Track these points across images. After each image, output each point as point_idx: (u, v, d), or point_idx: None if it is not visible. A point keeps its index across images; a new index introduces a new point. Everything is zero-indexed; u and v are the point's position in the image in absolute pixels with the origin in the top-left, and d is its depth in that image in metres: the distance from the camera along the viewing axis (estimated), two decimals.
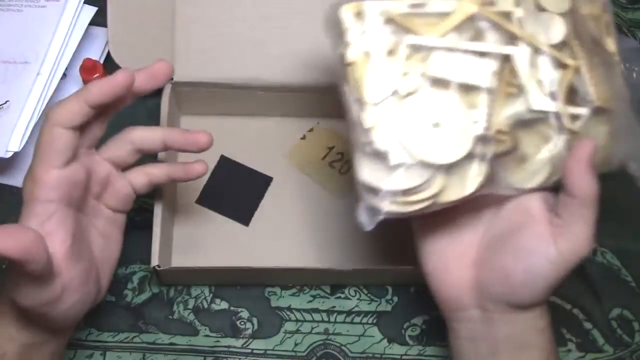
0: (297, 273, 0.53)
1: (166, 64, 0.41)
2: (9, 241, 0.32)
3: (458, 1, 0.38)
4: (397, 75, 0.38)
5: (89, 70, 0.56)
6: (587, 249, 0.38)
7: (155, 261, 0.48)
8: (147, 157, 0.45)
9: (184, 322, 0.53)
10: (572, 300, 0.56)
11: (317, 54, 0.56)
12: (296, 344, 0.53)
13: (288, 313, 0.54)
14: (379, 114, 0.37)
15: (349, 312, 0.54)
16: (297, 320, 0.54)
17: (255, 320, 0.54)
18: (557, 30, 0.40)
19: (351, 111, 0.38)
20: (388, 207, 0.37)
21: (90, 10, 0.59)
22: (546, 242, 0.38)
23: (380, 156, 0.37)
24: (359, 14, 0.38)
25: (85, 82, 0.56)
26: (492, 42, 0.39)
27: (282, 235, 0.56)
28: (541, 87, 0.39)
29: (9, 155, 0.53)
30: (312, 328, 0.54)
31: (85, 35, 0.58)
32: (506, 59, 0.39)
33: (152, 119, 0.55)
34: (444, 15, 0.38)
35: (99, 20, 0.59)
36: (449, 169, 0.38)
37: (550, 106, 0.39)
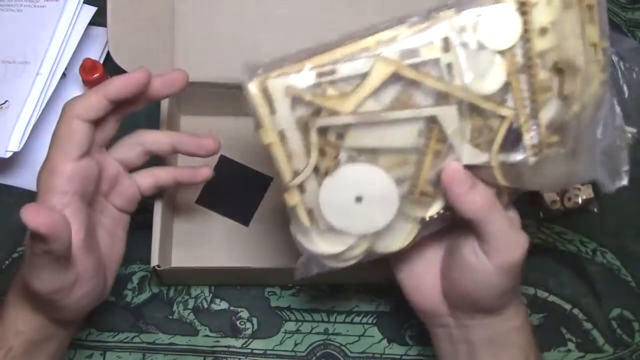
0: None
1: (183, 73, 0.42)
2: (39, 216, 0.33)
3: (374, 60, 0.35)
4: (311, 159, 0.37)
5: (88, 70, 0.56)
6: (517, 253, 0.39)
7: (155, 261, 0.48)
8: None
9: (183, 322, 0.53)
10: (572, 300, 0.56)
11: None
12: (296, 344, 0.53)
13: (288, 313, 0.54)
14: (300, 193, 0.38)
15: (349, 312, 0.54)
16: (297, 320, 0.54)
17: (255, 320, 0.54)
18: (494, 77, 0.36)
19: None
20: (317, 267, 0.40)
21: (90, 10, 0.59)
22: (481, 258, 0.39)
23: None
24: (265, 91, 0.36)
25: (85, 82, 0.56)
26: (421, 94, 0.36)
27: (282, 235, 0.56)
28: (478, 137, 0.37)
29: (9, 155, 0.53)
30: (312, 328, 0.54)
31: (85, 35, 0.58)
32: (432, 116, 0.36)
33: (152, 119, 0.55)
34: (360, 77, 0.35)
35: (98, 20, 0.59)
36: (379, 231, 0.39)
37: (483, 157, 0.37)
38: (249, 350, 0.53)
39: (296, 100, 0.35)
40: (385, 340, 0.54)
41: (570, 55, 0.36)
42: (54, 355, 0.42)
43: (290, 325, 0.54)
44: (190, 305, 0.54)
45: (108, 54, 0.58)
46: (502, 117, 0.36)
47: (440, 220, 0.40)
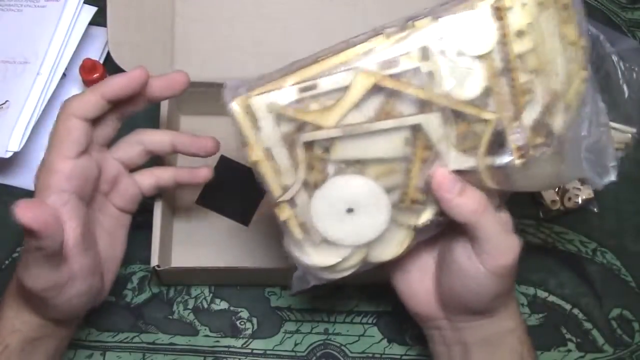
0: None
1: (184, 75, 0.42)
2: (31, 212, 0.33)
3: (354, 72, 0.35)
4: (299, 173, 0.37)
5: (88, 70, 0.56)
6: (510, 256, 0.39)
7: (155, 261, 0.48)
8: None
9: (183, 322, 0.53)
10: (572, 300, 0.56)
11: None
12: (296, 344, 0.53)
13: (288, 313, 0.54)
14: (290, 207, 0.38)
15: (349, 312, 0.54)
16: (297, 320, 0.54)
17: (255, 320, 0.54)
18: (475, 83, 0.36)
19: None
20: (319, 275, 0.40)
21: (90, 10, 0.59)
22: (474, 261, 0.39)
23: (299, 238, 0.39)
24: (248, 109, 0.36)
25: (85, 82, 0.56)
26: (404, 103, 0.36)
27: (282, 235, 0.56)
28: (464, 142, 0.37)
29: (9, 155, 0.53)
30: (312, 328, 0.54)
31: (85, 35, 0.58)
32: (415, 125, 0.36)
33: (152, 119, 0.55)
34: (342, 90, 0.35)
35: (99, 20, 0.59)
36: (373, 240, 0.39)
37: (470, 162, 0.37)
38: (249, 350, 0.53)
39: (280, 116, 0.36)
40: (385, 340, 0.54)
41: (549, 56, 0.37)
42: (53, 354, 0.42)
43: (290, 325, 0.54)
44: (190, 305, 0.54)
45: (108, 54, 0.58)
46: (486, 121, 0.36)
47: (433, 226, 0.40)
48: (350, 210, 0.38)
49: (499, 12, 0.35)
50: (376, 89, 0.35)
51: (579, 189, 0.58)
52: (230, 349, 0.52)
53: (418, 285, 0.43)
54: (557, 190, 0.58)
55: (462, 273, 0.39)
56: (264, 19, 0.55)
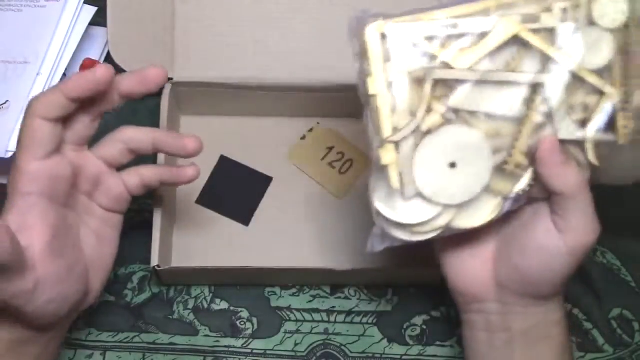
0: (297, 273, 0.53)
1: (159, 70, 0.40)
2: None
3: (498, 18, 0.36)
4: (419, 112, 0.37)
5: None
6: (592, 237, 0.39)
7: (155, 261, 0.48)
8: (147, 159, 0.46)
9: (183, 322, 0.53)
10: (572, 300, 0.56)
11: (317, 54, 0.56)
12: (296, 344, 0.53)
13: (288, 313, 0.54)
14: (396, 152, 0.37)
15: (349, 312, 0.54)
16: (297, 320, 0.54)
17: (255, 320, 0.54)
18: (603, 54, 0.37)
19: (370, 138, 0.38)
20: (398, 235, 0.39)
21: (90, 10, 0.59)
22: (554, 238, 0.39)
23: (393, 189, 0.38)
24: (384, 36, 0.36)
25: None
26: (529, 63, 0.37)
27: (282, 235, 0.56)
28: (572, 114, 0.38)
29: (9, 155, 0.53)
30: (312, 328, 0.54)
31: (85, 35, 0.58)
32: (539, 84, 0.37)
33: (152, 119, 0.55)
34: (481, 36, 0.36)
35: (99, 20, 0.59)
36: (462, 204, 0.39)
37: (578, 134, 0.38)
38: (249, 350, 0.53)
39: (413, 50, 0.36)
40: (385, 340, 0.54)
41: None
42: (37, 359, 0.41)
43: (290, 325, 0.54)
44: (190, 305, 0.54)
45: (108, 54, 0.58)
46: (602, 95, 0.37)
47: (522, 199, 0.40)
48: (452, 166, 0.38)
49: None
50: (511, 42, 0.36)
51: None
52: (231, 349, 0.52)
53: (470, 264, 0.42)
54: None
55: (540, 250, 0.39)
56: (264, 19, 0.55)
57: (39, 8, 0.58)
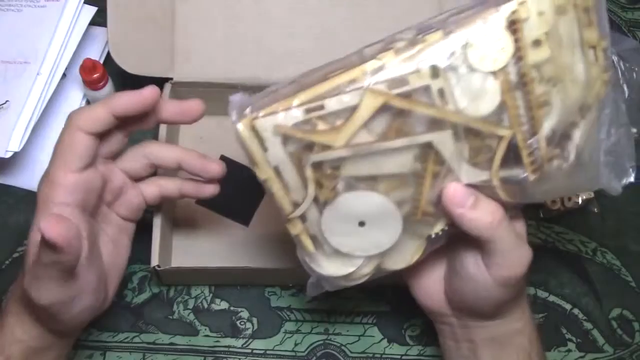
0: (297, 273, 0.53)
1: (199, 104, 0.41)
2: (58, 227, 0.33)
3: (362, 92, 0.34)
4: (309, 191, 0.36)
5: (89, 70, 0.56)
6: (518, 270, 0.38)
7: (155, 261, 0.48)
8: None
9: (184, 322, 0.53)
10: (572, 300, 0.56)
11: (317, 54, 0.55)
12: (296, 344, 0.53)
13: (288, 313, 0.54)
14: (301, 223, 0.38)
15: (349, 312, 0.54)
16: (297, 320, 0.54)
17: (255, 320, 0.54)
18: (489, 99, 0.35)
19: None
20: (332, 284, 0.40)
21: (90, 10, 0.59)
22: (481, 271, 0.39)
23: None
24: (254, 130, 0.35)
25: (85, 82, 0.56)
26: (414, 123, 0.35)
27: (282, 235, 0.56)
28: (475, 157, 0.36)
29: (9, 155, 0.53)
30: (312, 328, 0.54)
31: (85, 35, 0.58)
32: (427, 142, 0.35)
33: None
34: (350, 109, 0.34)
35: (99, 20, 0.59)
36: (386, 251, 0.39)
37: (483, 176, 0.37)
38: (249, 350, 0.53)
39: (287, 137, 0.35)
40: (385, 340, 0.54)
41: (567, 62, 0.35)
42: None
43: (290, 325, 0.54)
44: (190, 305, 0.54)
45: (108, 54, 0.58)
46: (500, 137, 0.36)
47: (445, 235, 0.39)
48: (362, 224, 0.38)
49: (514, 25, 0.34)
50: (385, 108, 0.34)
51: None
52: (231, 349, 0.52)
53: (430, 283, 0.43)
54: None
55: (470, 280, 0.39)
56: (264, 19, 0.55)
57: (39, 8, 0.58)
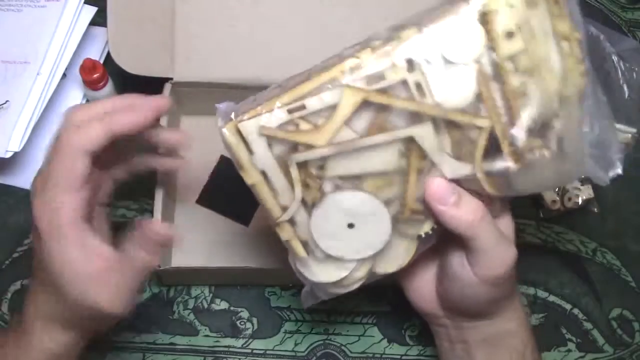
0: None
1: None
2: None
3: (341, 90, 0.34)
4: (296, 193, 0.37)
5: (89, 70, 0.56)
6: (502, 268, 0.38)
7: None
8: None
9: (184, 322, 0.53)
10: (572, 300, 0.56)
11: (317, 54, 0.55)
12: (296, 344, 0.53)
13: (288, 313, 0.54)
14: (291, 227, 0.38)
15: (349, 312, 0.54)
16: (297, 320, 0.54)
17: (255, 320, 0.54)
18: (465, 90, 0.35)
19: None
20: (326, 292, 0.40)
21: (90, 10, 0.59)
22: (466, 270, 0.39)
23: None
24: (240, 134, 0.35)
25: (85, 82, 0.56)
26: (396, 117, 0.35)
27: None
28: (458, 150, 0.36)
29: (9, 155, 0.53)
30: (312, 328, 0.54)
31: (85, 35, 0.58)
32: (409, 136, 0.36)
33: None
34: (331, 108, 0.35)
35: (99, 20, 0.59)
36: (377, 253, 0.39)
37: (466, 169, 0.37)
38: (249, 350, 0.53)
39: (272, 138, 0.35)
40: (385, 340, 0.54)
41: (542, 53, 0.36)
42: None
43: (290, 325, 0.54)
44: (191, 305, 0.54)
45: (108, 54, 0.58)
46: (480, 128, 0.36)
47: (436, 234, 0.39)
48: (351, 225, 0.38)
49: (485, 17, 0.35)
50: (366, 104, 0.35)
51: (579, 189, 0.58)
52: (231, 349, 0.52)
53: (422, 285, 0.44)
54: (557, 190, 0.58)
55: (457, 279, 0.40)
56: (264, 19, 0.55)
57: (39, 8, 0.58)
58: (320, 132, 0.35)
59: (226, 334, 0.53)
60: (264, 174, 0.36)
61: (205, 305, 0.54)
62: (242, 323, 0.53)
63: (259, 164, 0.36)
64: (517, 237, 0.51)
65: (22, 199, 0.56)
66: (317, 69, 0.36)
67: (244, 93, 0.56)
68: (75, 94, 0.60)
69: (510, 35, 0.35)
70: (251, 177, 0.36)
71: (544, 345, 0.54)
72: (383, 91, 0.35)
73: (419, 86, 0.35)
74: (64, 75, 0.58)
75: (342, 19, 0.56)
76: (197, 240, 0.55)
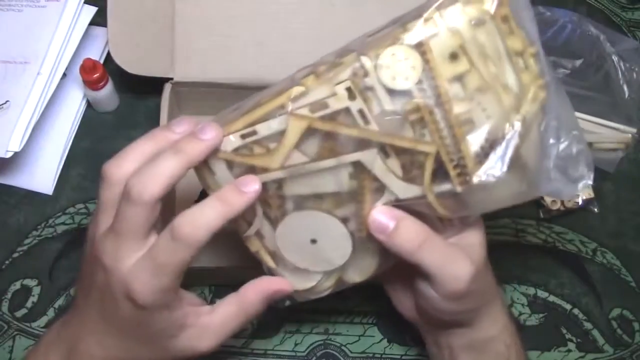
0: None
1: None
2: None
3: (286, 118, 0.35)
4: (258, 212, 0.38)
5: (89, 70, 0.56)
6: (460, 285, 0.38)
7: None
8: None
9: None
10: (572, 300, 0.56)
11: (317, 54, 0.55)
12: (296, 344, 0.53)
13: (288, 313, 0.54)
14: (259, 240, 0.40)
15: (349, 312, 0.54)
16: (297, 320, 0.54)
17: (255, 320, 0.54)
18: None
19: None
20: (298, 298, 0.42)
21: (90, 10, 0.59)
22: (427, 287, 0.39)
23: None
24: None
25: (86, 82, 0.56)
26: (344, 142, 0.36)
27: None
28: (407, 172, 0.37)
29: (9, 155, 0.53)
30: (312, 328, 0.54)
31: (85, 35, 0.59)
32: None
33: (152, 119, 0.55)
34: (279, 134, 0.36)
35: (99, 20, 0.59)
36: (341, 266, 0.40)
37: (416, 191, 0.37)
38: (249, 350, 0.53)
39: (230, 161, 0.37)
40: (385, 340, 0.54)
41: (494, 71, 0.36)
42: None
43: (290, 325, 0.54)
44: None
45: (108, 54, 0.58)
46: (426, 153, 0.36)
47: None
48: (314, 241, 0.39)
49: (422, 47, 0.34)
50: (313, 130, 0.36)
51: None
52: (231, 349, 0.52)
53: (407, 297, 0.44)
54: None
55: (424, 297, 0.39)
56: (264, 19, 0.55)
57: (39, 8, 0.58)
58: (272, 156, 0.36)
59: None
60: None
61: None
62: None
63: (222, 184, 0.37)
64: (517, 237, 0.51)
65: (22, 199, 0.56)
66: (267, 94, 0.37)
67: (244, 93, 0.56)
68: (75, 94, 0.60)
69: (454, 57, 0.35)
70: None
71: (544, 345, 0.54)
72: (329, 118, 0.35)
73: (362, 113, 0.35)
74: (64, 75, 0.58)
75: (342, 19, 0.56)
76: None
